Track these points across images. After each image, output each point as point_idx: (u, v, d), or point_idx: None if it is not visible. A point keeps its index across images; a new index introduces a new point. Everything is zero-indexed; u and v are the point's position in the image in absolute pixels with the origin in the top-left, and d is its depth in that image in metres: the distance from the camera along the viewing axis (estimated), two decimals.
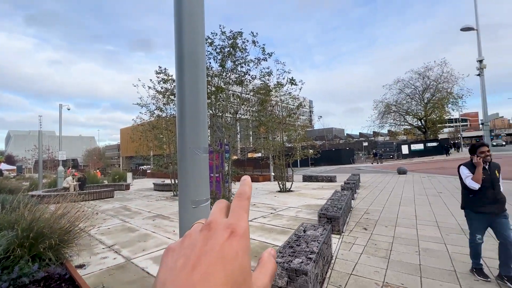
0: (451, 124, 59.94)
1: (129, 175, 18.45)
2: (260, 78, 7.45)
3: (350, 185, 8.93)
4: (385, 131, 48.68)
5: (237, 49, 6.64)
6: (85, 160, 55.02)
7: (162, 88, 8.93)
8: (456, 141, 48.89)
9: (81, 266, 3.78)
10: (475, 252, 3.09)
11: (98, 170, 28.01)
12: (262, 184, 14.76)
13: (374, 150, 32.35)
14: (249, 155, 32.67)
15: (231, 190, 7.98)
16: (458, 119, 50.92)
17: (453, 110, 36.71)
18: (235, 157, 27.60)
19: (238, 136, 13.85)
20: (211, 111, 7.39)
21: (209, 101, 6.95)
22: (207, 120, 1.47)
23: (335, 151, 35.31)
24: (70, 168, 26.61)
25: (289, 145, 13.83)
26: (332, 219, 4.81)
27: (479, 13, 9.69)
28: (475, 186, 2.96)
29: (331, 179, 13.78)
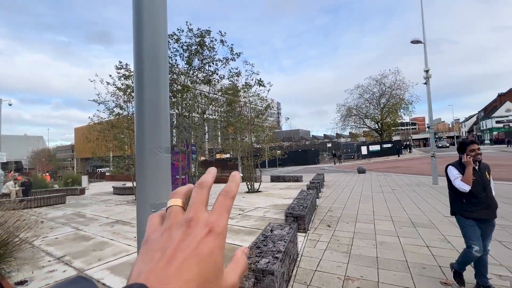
0: (403, 127, 66.14)
1: (85, 178, 16.91)
2: (228, 78, 7.39)
3: (315, 184, 9.29)
4: (347, 133, 51.89)
5: (205, 47, 6.49)
6: (32, 163, 49.15)
7: (122, 84, 8.36)
8: (407, 142, 54.07)
9: (22, 283, 3.33)
10: (467, 261, 2.72)
11: (47, 174, 25.18)
12: None
13: (333, 151, 33.88)
14: (217, 156, 32.23)
15: None
16: (409, 123, 56.62)
17: (404, 114, 40.51)
18: (202, 158, 27.01)
19: (206, 136, 13.58)
20: (177, 111, 7.10)
21: (175, 99, 6.68)
22: (169, 118, 1.38)
23: (301, 152, 36.55)
24: (12, 172, 23.55)
25: (258, 146, 13.96)
26: (298, 218, 4.94)
27: (426, 28, 10.84)
28: (465, 188, 2.66)
29: (298, 179, 14.20)
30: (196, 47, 6.56)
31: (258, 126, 11.53)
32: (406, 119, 45.54)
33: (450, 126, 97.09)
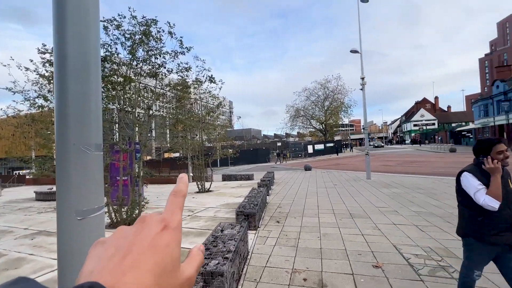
0: (343, 128, 73.16)
1: None
2: (177, 73, 6.98)
3: (266, 182, 9.53)
4: (295, 132, 54.94)
5: (151, 37, 5.99)
6: None
7: (47, 71, 7.14)
8: (348, 142, 60.04)
9: None
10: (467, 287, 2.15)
11: None
12: None
13: (278, 151, 33.33)
14: (166, 155, 30.45)
15: (143, 194, 7.17)
16: (348, 124, 63.13)
17: (344, 117, 44.84)
18: (148, 157, 25.14)
19: (153, 134, 12.66)
20: (118, 105, 6.41)
21: (115, 92, 6.01)
22: (101, 112, 1.20)
23: (253, 150, 37.18)
24: None
25: (209, 145, 13.64)
26: (249, 216, 4.97)
27: (362, 40, 12.15)
28: (495, 205, 1.88)
29: (249, 177, 14.38)
30: (140, 36, 6.01)
31: (209, 124, 11.25)
32: (346, 121, 50.50)
33: (380, 127, 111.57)
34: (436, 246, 3.81)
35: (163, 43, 6.45)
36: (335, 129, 48.27)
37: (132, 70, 6.15)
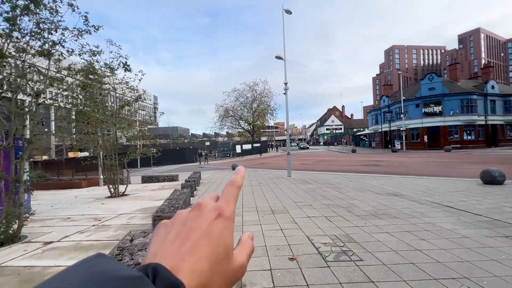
0: (269, 130, 77.83)
1: None
2: (80, 55, 5.78)
3: (190, 183, 9.04)
4: (224, 132, 55.01)
5: (42, 5, 4.72)
6: None
7: None
8: (273, 143, 63.98)
9: None
10: None
11: None
12: (86, 190, 11.81)
13: (199, 151, 30.10)
14: (71, 154, 25.50)
15: (28, 203, 5.65)
16: (273, 126, 67.49)
17: (270, 119, 47.70)
18: (44, 157, 20.42)
19: (53, 129, 10.31)
20: None
21: None
22: None
23: (179, 149, 35.20)
24: None
25: (127, 143, 12.03)
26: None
27: (286, 50, 13.09)
28: None
29: (173, 178, 13.45)
30: (26, 2, 4.67)
31: (124, 119, 9.90)
32: (271, 123, 53.77)
33: (300, 130, 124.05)
34: (340, 233, 4.33)
35: (61, 17, 5.23)
36: (262, 130, 50.76)
37: (11, 43, 4.73)
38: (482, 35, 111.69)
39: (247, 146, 39.80)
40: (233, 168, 18.03)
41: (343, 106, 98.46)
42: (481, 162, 15.26)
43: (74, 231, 5.08)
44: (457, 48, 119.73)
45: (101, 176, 12.65)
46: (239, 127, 47.84)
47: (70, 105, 6.66)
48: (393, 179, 10.28)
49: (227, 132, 54.37)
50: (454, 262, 3.17)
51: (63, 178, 14.40)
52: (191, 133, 73.45)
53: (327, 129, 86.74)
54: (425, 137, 33.18)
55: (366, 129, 59.67)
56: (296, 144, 60.58)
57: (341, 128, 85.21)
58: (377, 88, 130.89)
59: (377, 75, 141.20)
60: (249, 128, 46.77)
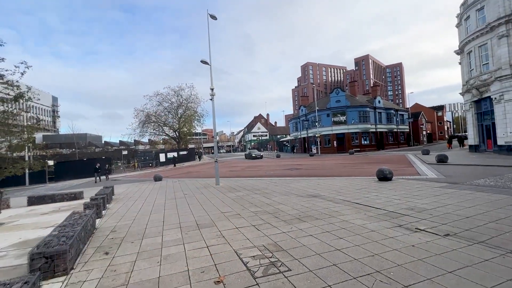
0: (197, 137, 75.32)
1: None
2: None
3: (97, 201, 7.49)
4: (146, 139, 49.91)
5: None
6: None
7: None
8: (201, 150, 62.00)
9: None
10: None
11: None
12: None
13: (97, 165, 21.67)
14: None
15: None
16: (201, 133, 65.59)
17: (197, 125, 46.04)
18: None
19: None
20: None
21: None
22: None
23: (88, 160, 29.67)
24: None
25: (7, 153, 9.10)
26: (54, 256, 3.43)
27: (212, 57, 12.74)
28: None
29: (76, 196, 10.99)
30: None
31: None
32: (199, 129, 51.95)
33: (229, 137, 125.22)
34: (269, 242, 4.22)
35: None
36: (188, 137, 48.48)
37: None
38: (370, 60, 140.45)
39: (173, 154, 37.11)
40: (156, 179, 16.29)
41: (267, 114, 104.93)
42: (375, 162, 18.59)
43: None
44: (354, 69, 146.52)
45: None
46: (163, 133, 44.33)
47: None
48: (312, 181, 11.22)
49: (149, 140, 49.60)
50: (367, 257, 3.45)
51: None
52: (104, 141, 63.54)
53: (253, 136, 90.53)
54: (335, 142, 38.62)
55: (288, 135, 65.10)
56: (247, 153, 39.99)
57: (266, 135, 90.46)
58: (296, 98, 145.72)
59: (295, 87, 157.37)
60: (175, 135, 43.91)
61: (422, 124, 54.68)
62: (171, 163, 34.19)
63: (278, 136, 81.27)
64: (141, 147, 53.62)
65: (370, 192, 7.94)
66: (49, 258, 3.39)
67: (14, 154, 9.08)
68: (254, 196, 8.59)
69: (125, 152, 36.92)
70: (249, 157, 37.35)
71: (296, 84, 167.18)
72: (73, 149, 41.46)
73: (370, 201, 6.68)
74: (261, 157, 36.41)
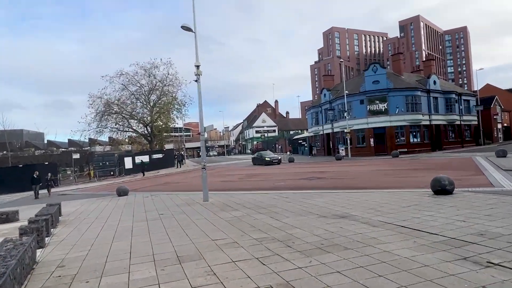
0: (176, 134, 75.84)
1: None
2: None
3: (39, 223, 7.58)
4: (105, 138, 50.32)
5: None
6: None
7: None
8: (181, 152, 62.31)
9: None
10: None
11: None
12: None
13: (36, 173, 21.93)
14: None
15: None
16: (182, 128, 66.00)
17: (177, 117, 46.30)
18: None
19: None
20: None
21: None
22: None
23: (24, 167, 30.00)
24: None
25: None
26: None
27: (197, 22, 12.78)
28: None
29: (8, 218, 11.22)
30: None
31: None
32: (179, 123, 52.17)
33: (222, 134, 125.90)
34: (278, 282, 4.24)
35: None
36: (165, 134, 48.85)
37: None
38: (421, 24, 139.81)
39: (144, 158, 37.36)
40: (121, 193, 16.46)
41: (276, 102, 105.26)
42: (429, 169, 18.55)
43: None
44: (399, 36, 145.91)
45: None
46: (130, 129, 44.67)
47: None
48: (339, 195, 11.24)
49: (110, 138, 49.97)
50: None
51: None
52: (48, 140, 64.23)
53: (257, 132, 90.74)
54: (372, 141, 38.61)
55: (305, 131, 65.29)
56: (256, 156, 38.48)
57: (274, 130, 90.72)
58: (316, 79, 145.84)
59: (315, 62, 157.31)
60: (146, 132, 44.21)
61: (497, 114, 54.46)
62: (141, 171, 34.46)
63: (291, 133, 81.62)
64: (99, 148, 54.13)
65: (422, 210, 7.93)
66: None
67: None
68: (258, 216, 8.62)
69: (76, 156, 37.26)
70: (260, 161, 35.57)
71: (317, 59, 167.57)
72: (4, 152, 41.92)
73: (422, 224, 6.68)
74: (279, 161, 35.39)
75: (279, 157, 36.88)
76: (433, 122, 40.73)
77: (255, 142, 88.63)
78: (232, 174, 25.33)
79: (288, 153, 52.47)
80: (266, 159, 34.57)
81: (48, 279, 5.04)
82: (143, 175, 32.71)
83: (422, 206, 8.48)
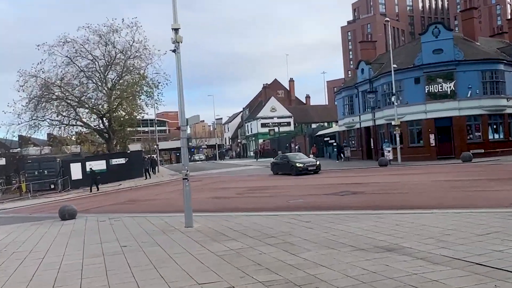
0: (146, 128, 75.90)
1: None
2: None
3: None
4: (43, 135, 50.52)
5: None
6: None
7: None
8: (153, 156, 62.47)
9: None
10: None
11: None
12: None
13: None
14: None
15: None
16: (154, 120, 65.82)
17: (147, 105, 46.24)
18: None
19: None
20: None
21: None
22: None
23: None
24: None
25: None
26: None
27: None
28: None
29: None
30: None
31: None
32: (151, 113, 52.20)
33: (213, 127, 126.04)
34: None
35: None
36: (129, 129, 49.01)
37: None
38: None
39: (98, 165, 37.51)
40: (66, 215, 16.55)
41: (291, 81, 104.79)
42: None
43: None
44: None
45: None
46: (79, 123, 44.85)
47: None
48: (384, 218, 11.18)
49: (49, 135, 50.14)
50: None
51: None
52: None
53: (263, 126, 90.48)
54: (431, 138, 38.18)
55: (334, 124, 65.14)
56: (280, 160, 36.94)
57: (289, 123, 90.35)
58: (350, 47, 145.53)
59: (349, 22, 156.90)
60: (102, 126, 44.34)
61: None
62: (94, 183, 34.57)
63: (314, 126, 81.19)
64: (33, 150, 54.42)
65: (507, 241, 7.86)
66: None
67: None
68: (265, 249, 8.60)
69: (1, 162, 37.54)
70: (285, 169, 33.73)
71: (351, 17, 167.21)
72: None
73: (506, 261, 6.61)
74: (317, 168, 33.50)
75: (317, 162, 35.14)
76: None
77: (260, 141, 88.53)
78: (227, 187, 25.35)
79: (311, 156, 51.91)
80: (297, 165, 32.43)
81: None
82: (97, 190, 32.82)
83: (508, 234, 8.41)
